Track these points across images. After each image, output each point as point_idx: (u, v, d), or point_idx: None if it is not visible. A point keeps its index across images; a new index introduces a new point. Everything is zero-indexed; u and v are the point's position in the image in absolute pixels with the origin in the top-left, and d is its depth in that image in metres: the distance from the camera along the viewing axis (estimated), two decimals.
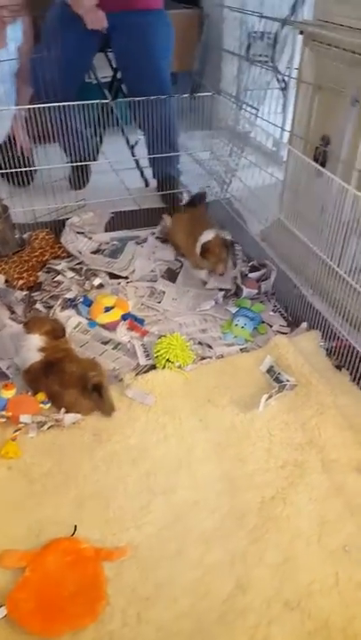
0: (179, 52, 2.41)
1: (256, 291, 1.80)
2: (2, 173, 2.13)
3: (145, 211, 2.28)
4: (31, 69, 2.12)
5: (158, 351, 1.49)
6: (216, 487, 1.19)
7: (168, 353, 1.47)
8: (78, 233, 2.11)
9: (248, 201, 2.04)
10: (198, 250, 1.75)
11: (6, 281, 1.84)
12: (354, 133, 1.52)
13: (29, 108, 1.99)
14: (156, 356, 1.49)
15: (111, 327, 1.67)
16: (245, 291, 1.78)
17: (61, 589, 0.99)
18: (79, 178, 2.36)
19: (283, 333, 1.65)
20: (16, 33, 2.19)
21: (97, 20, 2.10)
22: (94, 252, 2.05)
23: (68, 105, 1.99)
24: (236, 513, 1.13)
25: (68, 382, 1.34)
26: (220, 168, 2.29)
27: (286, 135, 1.98)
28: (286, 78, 2.59)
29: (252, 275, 1.85)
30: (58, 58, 1.95)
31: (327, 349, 1.56)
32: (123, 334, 1.65)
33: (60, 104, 1.96)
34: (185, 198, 2.33)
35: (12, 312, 1.75)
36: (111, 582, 1.01)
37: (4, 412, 1.32)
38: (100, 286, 1.86)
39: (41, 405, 1.36)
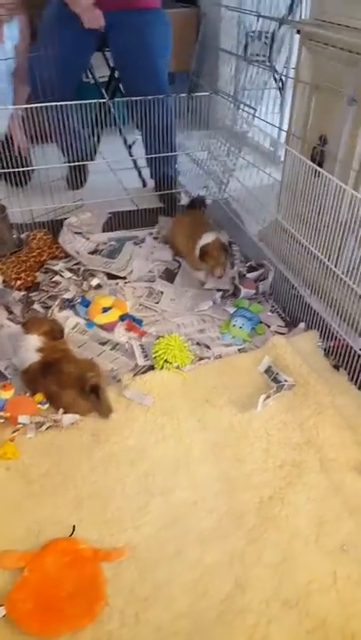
0: (176, 52, 2.40)
1: (254, 291, 1.80)
2: None
3: (143, 211, 2.28)
4: (28, 68, 2.12)
5: (156, 352, 1.49)
6: (214, 487, 1.19)
7: (166, 353, 1.47)
8: (76, 233, 2.10)
9: (246, 201, 2.04)
10: (197, 252, 1.75)
11: (4, 281, 1.84)
12: (351, 133, 1.52)
13: (26, 108, 1.98)
14: (155, 357, 1.49)
15: (109, 328, 1.67)
16: (243, 291, 1.79)
17: (60, 590, 0.99)
18: (77, 178, 2.36)
19: (281, 334, 1.66)
20: (12, 31, 2.19)
21: (94, 19, 2.09)
22: (92, 253, 2.05)
23: (66, 104, 1.99)
24: (235, 513, 1.13)
25: (66, 383, 1.34)
26: (218, 168, 2.29)
27: (284, 135, 1.98)
28: (284, 78, 2.59)
29: (250, 275, 1.85)
30: (55, 57, 1.94)
31: (325, 349, 1.56)
32: (121, 335, 1.65)
33: (58, 103, 1.96)
34: (184, 199, 2.33)
35: (10, 312, 1.75)
36: (110, 583, 1.01)
37: (2, 413, 1.32)
38: (98, 287, 1.86)
39: (39, 406, 1.36)
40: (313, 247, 1.56)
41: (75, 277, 1.91)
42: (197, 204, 2.06)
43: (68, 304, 1.77)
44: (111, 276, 1.92)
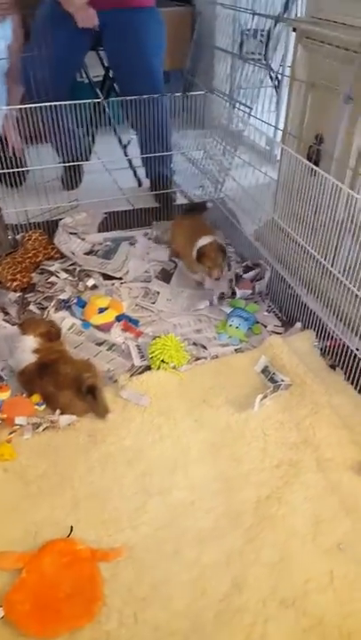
0: (171, 51, 2.40)
1: (250, 291, 1.80)
2: None
3: (138, 211, 2.28)
4: (22, 68, 2.11)
5: (153, 352, 1.49)
6: (211, 487, 1.19)
7: (163, 354, 1.47)
8: (71, 234, 2.10)
9: (242, 200, 2.04)
10: (194, 254, 1.74)
11: None
12: (347, 131, 1.52)
13: (20, 108, 1.98)
14: (151, 357, 1.49)
15: (105, 328, 1.67)
16: (240, 292, 1.79)
17: (58, 590, 1.00)
18: (72, 178, 2.35)
19: (277, 333, 1.66)
20: (5, 31, 2.18)
21: (88, 19, 2.09)
22: (88, 253, 2.05)
23: (60, 104, 1.98)
24: (232, 513, 1.14)
25: (62, 384, 1.34)
26: (214, 167, 2.29)
27: (280, 134, 1.98)
28: (279, 76, 2.59)
29: (246, 275, 1.86)
30: (48, 56, 1.94)
31: (321, 349, 1.56)
32: (117, 335, 1.65)
33: (52, 103, 1.95)
34: (180, 198, 2.32)
35: (6, 314, 1.75)
36: (107, 583, 1.01)
37: None
38: (94, 287, 1.86)
39: (36, 407, 1.36)
40: (309, 246, 1.56)
41: (70, 278, 1.91)
42: (198, 208, 2.03)
43: (64, 305, 1.76)
44: (107, 277, 1.92)
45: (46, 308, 1.76)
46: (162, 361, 1.47)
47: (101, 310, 1.68)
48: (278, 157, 1.94)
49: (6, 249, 1.95)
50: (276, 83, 2.64)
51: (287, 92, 1.82)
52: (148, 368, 1.51)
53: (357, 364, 1.41)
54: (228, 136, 2.21)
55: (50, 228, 2.11)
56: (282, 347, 1.53)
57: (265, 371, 1.48)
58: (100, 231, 2.19)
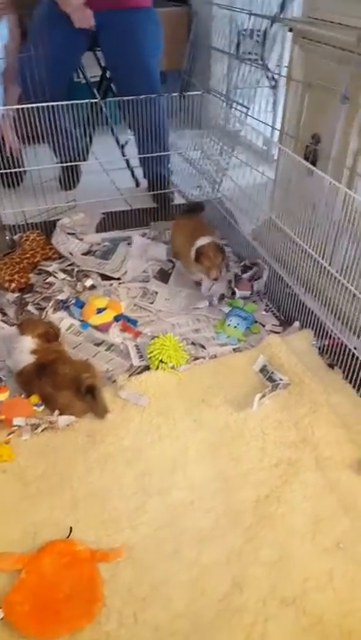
0: (168, 51, 2.40)
1: (249, 292, 1.80)
2: None
3: (136, 211, 2.28)
4: (19, 69, 2.11)
5: (151, 352, 1.49)
6: (211, 487, 1.19)
7: (161, 354, 1.47)
8: (69, 234, 2.10)
9: (239, 200, 2.04)
10: (193, 254, 1.74)
11: None
12: (344, 131, 1.52)
13: (18, 108, 1.97)
14: (150, 357, 1.49)
15: (104, 328, 1.67)
16: (239, 293, 1.79)
17: (57, 591, 0.99)
18: (69, 178, 2.35)
19: (275, 332, 1.66)
20: (2, 31, 2.17)
21: (84, 19, 2.09)
22: (86, 254, 2.04)
23: (57, 105, 1.98)
24: (231, 512, 1.14)
25: (61, 384, 1.34)
26: (211, 167, 2.29)
27: (277, 134, 1.98)
28: (276, 76, 2.59)
29: (245, 275, 1.86)
30: (45, 56, 1.93)
31: (320, 348, 1.57)
32: (116, 335, 1.65)
33: (49, 104, 1.95)
34: (177, 198, 2.32)
35: (4, 314, 1.75)
36: (107, 583, 1.01)
37: None
38: (92, 287, 1.85)
39: (34, 408, 1.36)
40: (307, 246, 1.56)
41: (68, 278, 1.91)
42: (196, 208, 2.03)
43: (63, 305, 1.76)
44: (105, 277, 1.92)
45: (44, 308, 1.76)
46: (160, 361, 1.47)
47: (100, 310, 1.68)
48: (275, 157, 1.94)
49: (4, 249, 1.95)
50: (273, 83, 2.65)
51: (284, 92, 1.82)
52: (147, 368, 1.51)
53: (356, 362, 1.41)
54: (225, 136, 2.21)
55: (47, 228, 2.10)
56: (280, 346, 1.54)
57: (263, 370, 1.48)
58: (97, 231, 2.18)
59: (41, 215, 2.15)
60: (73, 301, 1.76)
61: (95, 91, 2.48)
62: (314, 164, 1.60)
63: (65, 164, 2.30)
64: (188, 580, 1.02)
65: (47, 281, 1.90)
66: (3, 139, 2.18)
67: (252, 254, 1.94)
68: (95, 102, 2.19)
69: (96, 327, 1.67)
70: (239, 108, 2.32)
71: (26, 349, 1.42)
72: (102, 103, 2.24)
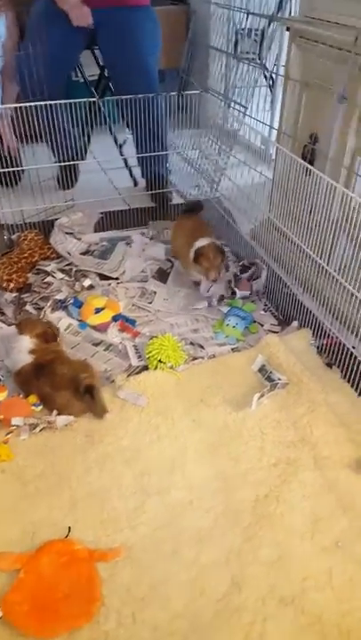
0: (166, 50, 2.40)
1: (249, 292, 1.80)
2: None
3: (134, 210, 2.27)
4: (17, 67, 2.10)
5: (150, 352, 1.49)
6: (210, 486, 1.19)
7: (160, 354, 1.47)
8: (67, 233, 2.09)
9: (237, 200, 2.04)
10: (192, 255, 1.72)
11: None
12: (341, 131, 1.52)
13: (15, 107, 1.97)
14: (148, 357, 1.49)
15: (102, 328, 1.66)
16: (239, 293, 1.79)
17: (56, 591, 0.99)
18: (67, 177, 2.34)
19: (274, 332, 1.66)
20: None
21: (82, 17, 2.08)
22: (84, 253, 2.04)
23: (55, 103, 1.97)
24: (230, 512, 1.14)
25: (59, 384, 1.34)
26: (209, 167, 2.29)
27: (275, 133, 1.98)
28: (274, 75, 2.59)
29: (244, 275, 1.85)
30: (44, 55, 1.93)
31: (318, 347, 1.57)
32: (114, 335, 1.65)
33: (47, 102, 1.94)
34: (176, 198, 2.32)
35: (2, 314, 1.74)
36: (106, 583, 1.01)
37: None
38: (91, 287, 1.85)
39: (33, 408, 1.36)
40: (305, 245, 1.56)
41: (67, 278, 1.90)
42: (195, 208, 2.01)
43: (61, 305, 1.76)
44: (103, 277, 1.92)
45: (42, 308, 1.75)
46: (159, 361, 1.47)
47: (98, 310, 1.68)
48: (273, 157, 1.94)
49: (2, 249, 1.95)
50: (271, 82, 2.65)
51: (282, 91, 1.82)
52: (146, 368, 1.51)
53: (354, 361, 1.41)
54: (223, 135, 2.21)
55: (46, 227, 2.10)
56: (278, 345, 1.54)
57: (262, 370, 1.48)
58: (96, 231, 2.18)
59: (39, 214, 2.14)
60: (71, 301, 1.75)
61: (93, 89, 2.47)
62: (312, 163, 1.60)
63: (63, 164, 2.30)
64: (186, 580, 1.02)
65: (45, 281, 1.89)
66: (1, 138, 2.18)
67: (250, 254, 1.94)
68: (93, 101, 2.19)
69: (94, 327, 1.67)
70: (237, 107, 2.32)
71: (24, 349, 1.42)
72: (100, 102, 2.23)
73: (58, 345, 1.49)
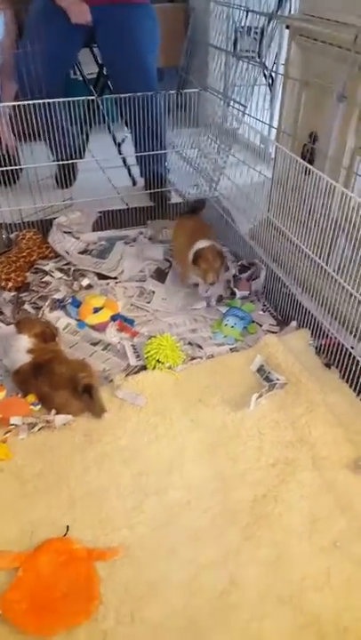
0: (165, 48, 2.39)
1: (248, 292, 1.80)
2: None
3: (133, 210, 2.27)
4: (15, 65, 2.09)
5: (148, 352, 1.49)
6: (208, 486, 1.19)
7: (158, 353, 1.47)
8: (66, 233, 2.09)
9: (237, 199, 2.04)
10: (191, 257, 1.71)
11: None
12: (341, 130, 1.52)
13: (14, 105, 1.96)
14: (147, 357, 1.49)
15: (101, 328, 1.66)
16: (238, 293, 1.78)
17: (55, 590, 1.00)
18: (66, 176, 2.34)
19: (272, 332, 1.66)
20: None
21: (81, 14, 2.07)
22: (82, 252, 2.04)
23: (54, 102, 1.97)
24: (229, 511, 1.14)
25: (58, 383, 1.34)
26: (208, 166, 2.28)
27: (274, 132, 1.98)
28: (273, 74, 2.59)
29: (243, 275, 1.85)
30: (42, 52, 1.92)
31: (316, 347, 1.57)
32: (112, 335, 1.65)
33: (46, 101, 1.94)
34: (175, 197, 2.31)
35: (1, 313, 1.74)
36: (104, 582, 1.01)
37: None
38: (89, 287, 1.85)
39: (31, 407, 1.36)
40: (304, 245, 1.56)
41: (65, 277, 1.90)
42: (197, 207, 2.00)
43: (59, 304, 1.76)
44: (102, 276, 1.91)
45: (41, 307, 1.75)
46: (157, 361, 1.47)
47: (96, 310, 1.68)
48: (273, 156, 1.93)
49: (0, 248, 1.95)
50: (270, 81, 2.64)
51: (281, 90, 1.82)
52: (144, 368, 1.51)
53: (352, 362, 1.41)
54: (222, 134, 2.20)
55: (44, 226, 2.10)
56: (277, 346, 1.54)
57: (260, 370, 1.48)
58: (94, 230, 2.18)
59: (37, 214, 2.14)
60: (69, 300, 1.75)
61: (92, 88, 2.47)
62: (311, 162, 1.60)
63: (61, 162, 2.29)
64: (185, 579, 1.02)
65: (44, 280, 1.89)
66: None
67: (249, 254, 1.93)
68: (92, 99, 2.18)
69: (93, 327, 1.67)
70: (236, 105, 2.31)
71: (22, 348, 1.42)
72: (99, 100, 2.23)
73: (56, 345, 1.49)
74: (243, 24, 2.48)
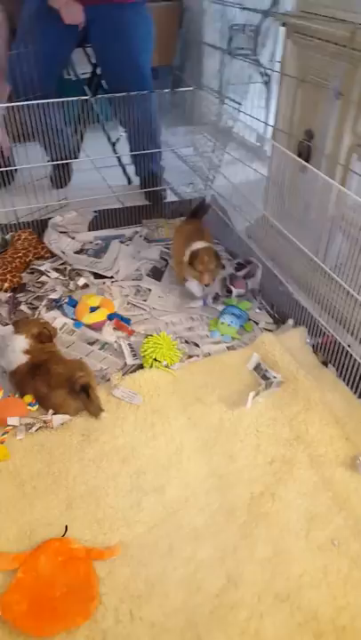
0: (159, 46, 2.38)
1: (244, 290, 1.80)
2: None
3: (128, 209, 2.27)
4: (9, 66, 2.08)
5: (145, 350, 1.49)
6: (206, 484, 1.20)
7: (155, 352, 1.47)
8: (61, 232, 2.09)
9: (233, 197, 2.04)
10: (187, 256, 1.70)
11: None
12: (337, 127, 1.52)
13: (8, 106, 1.95)
14: (144, 356, 1.49)
15: (97, 327, 1.66)
16: (235, 291, 1.79)
17: (54, 590, 1.00)
18: (61, 176, 2.33)
19: (269, 330, 1.66)
20: None
21: (74, 14, 2.06)
22: (78, 252, 2.04)
23: (48, 102, 1.96)
24: (226, 509, 1.14)
25: (55, 383, 1.34)
26: (204, 164, 2.28)
27: (270, 130, 1.98)
28: (269, 71, 2.59)
29: (240, 273, 1.85)
30: (36, 53, 1.92)
31: (313, 345, 1.57)
32: (109, 334, 1.65)
33: (40, 101, 1.93)
34: (170, 196, 2.31)
35: None
36: (103, 581, 1.01)
37: None
38: (85, 286, 1.85)
39: (29, 407, 1.36)
40: (300, 243, 1.56)
41: (61, 277, 1.90)
42: (199, 212, 1.98)
43: (56, 304, 1.76)
44: (98, 276, 1.91)
45: (37, 307, 1.75)
46: (154, 359, 1.47)
47: (93, 309, 1.68)
48: (269, 154, 1.93)
49: None
50: (266, 78, 2.64)
51: (277, 87, 1.81)
52: (141, 367, 1.51)
53: (349, 360, 1.42)
54: (217, 132, 2.20)
55: (39, 227, 2.09)
56: (274, 344, 1.54)
57: (257, 368, 1.48)
58: (90, 230, 2.17)
59: (33, 214, 2.13)
60: (66, 300, 1.75)
61: (86, 87, 2.46)
62: (307, 160, 1.60)
63: (56, 162, 2.28)
64: (183, 577, 1.03)
65: (40, 280, 1.89)
66: None
67: (245, 252, 1.93)
68: (86, 99, 2.18)
69: (89, 326, 1.67)
70: (232, 104, 2.31)
71: (18, 349, 1.42)
72: (93, 100, 2.22)
73: (53, 346, 1.49)
74: (237, 21, 2.48)
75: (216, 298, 1.80)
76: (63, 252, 2.01)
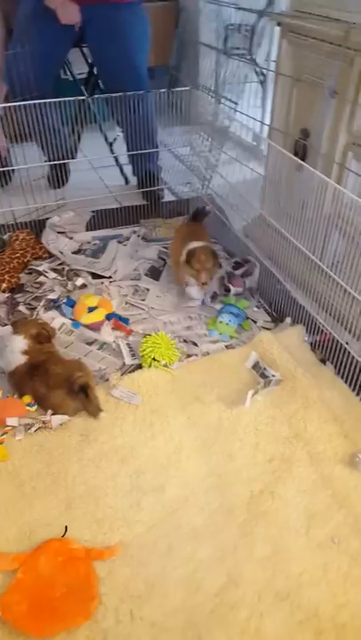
0: (155, 46, 2.38)
1: (242, 289, 1.81)
2: None
3: (126, 208, 2.27)
4: (5, 66, 2.08)
5: (144, 350, 1.49)
6: (205, 483, 1.20)
7: (153, 352, 1.47)
8: (59, 233, 2.09)
9: (230, 197, 2.04)
10: (184, 256, 1.69)
11: None
12: (333, 126, 1.52)
13: (4, 107, 1.95)
14: (142, 355, 1.49)
15: (95, 327, 1.66)
16: (233, 289, 1.79)
17: (54, 590, 1.00)
18: (58, 176, 2.33)
19: (267, 329, 1.66)
20: None
21: (70, 14, 2.06)
22: (76, 252, 2.04)
23: (45, 102, 1.96)
24: (226, 508, 1.14)
25: (53, 384, 1.34)
26: (201, 164, 2.28)
27: (266, 129, 1.98)
28: (265, 71, 2.59)
29: (237, 272, 1.86)
30: (32, 53, 1.92)
31: (311, 344, 1.57)
32: (107, 334, 1.65)
33: (36, 102, 1.93)
34: (168, 195, 2.31)
35: None
36: (103, 581, 1.01)
37: None
38: (83, 286, 1.85)
39: (27, 408, 1.36)
40: (297, 242, 1.57)
41: (59, 277, 1.90)
42: (200, 214, 1.98)
43: (54, 304, 1.76)
44: (96, 276, 1.91)
45: (35, 308, 1.75)
46: (153, 359, 1.47)
47: (91, 309, 1.68)
48: (265, 153, 1.93)
49: None
50: (262, 78, 2.65)
51: (273, 87, 1.82)
52: (140, 366, 1.51)
53: (347, 357, 1.42)
54: (214, 132, 2.20)
55: (37, 227, 2.09)
56: (272, 342, 1.54)
57: (256, 366, 1.48)
58: (87, 230, 2.17)
59: (30, 214, 2.13)
60: (64, 300, 1.75)
61: (83, 87, 2.46)
62: (303, 159, 1.60)
63: (53, 163, 2.28)
64: (183, 577, 1.03)
65: (38, 280, 1.89)
66: None
67: (243, 251, 1.94)
68: (83, 99, 2.18)
69: (88, 326, 1.67)
70: (228, 103, 2.31)
71: (17, 349, 1.42)
72: (90, 100, 2.22)
73: (52, 346, 1.49)
74: (233, 21, 2.48)
75: (214, 297, 1.80)
76: (61, 252, 2.01)
